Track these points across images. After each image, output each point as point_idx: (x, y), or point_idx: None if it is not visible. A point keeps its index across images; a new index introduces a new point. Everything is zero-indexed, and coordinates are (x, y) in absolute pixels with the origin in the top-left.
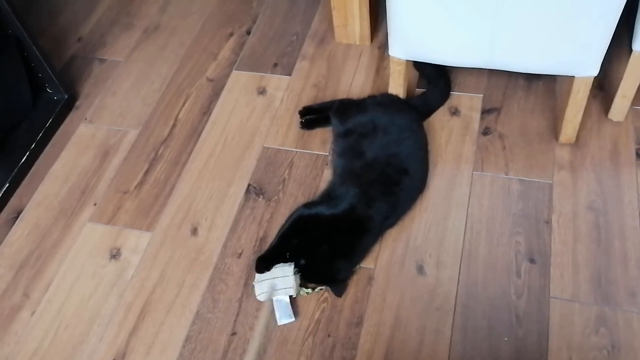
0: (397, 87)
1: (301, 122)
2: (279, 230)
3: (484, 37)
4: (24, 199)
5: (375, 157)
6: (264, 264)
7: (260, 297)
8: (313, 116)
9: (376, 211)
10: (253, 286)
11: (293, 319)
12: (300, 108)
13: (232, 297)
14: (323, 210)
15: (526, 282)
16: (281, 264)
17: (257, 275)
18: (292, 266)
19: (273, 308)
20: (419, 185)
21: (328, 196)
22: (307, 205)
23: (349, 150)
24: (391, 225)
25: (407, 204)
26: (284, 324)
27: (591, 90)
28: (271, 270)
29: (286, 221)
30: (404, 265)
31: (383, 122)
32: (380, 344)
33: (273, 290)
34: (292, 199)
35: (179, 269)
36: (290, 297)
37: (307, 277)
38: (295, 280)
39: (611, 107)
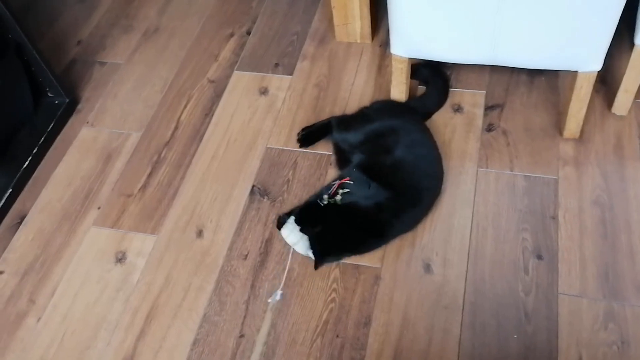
0: (399, 85)
1: (299, 140)
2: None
3: (486, 33)
4: (27, 204)
5: (402, 158)
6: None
7: (289, 238)
8: (311, 130)
9: (399, 219)
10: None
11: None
12: (300, 109)
13: (239, 299)
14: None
15: (534, 279)
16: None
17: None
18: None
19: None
20: (438, 190)
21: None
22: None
23: (372, 153)
24: (406, 230)
25: (427, 209)
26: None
27: (594, 85)
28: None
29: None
30: (411, 264)
31: (397, 126)
32: (389, 344)
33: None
34: (297, 199)
35: (185, 272)
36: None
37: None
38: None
39: (614, 102)
